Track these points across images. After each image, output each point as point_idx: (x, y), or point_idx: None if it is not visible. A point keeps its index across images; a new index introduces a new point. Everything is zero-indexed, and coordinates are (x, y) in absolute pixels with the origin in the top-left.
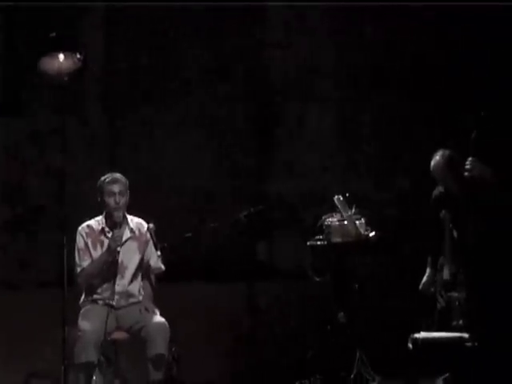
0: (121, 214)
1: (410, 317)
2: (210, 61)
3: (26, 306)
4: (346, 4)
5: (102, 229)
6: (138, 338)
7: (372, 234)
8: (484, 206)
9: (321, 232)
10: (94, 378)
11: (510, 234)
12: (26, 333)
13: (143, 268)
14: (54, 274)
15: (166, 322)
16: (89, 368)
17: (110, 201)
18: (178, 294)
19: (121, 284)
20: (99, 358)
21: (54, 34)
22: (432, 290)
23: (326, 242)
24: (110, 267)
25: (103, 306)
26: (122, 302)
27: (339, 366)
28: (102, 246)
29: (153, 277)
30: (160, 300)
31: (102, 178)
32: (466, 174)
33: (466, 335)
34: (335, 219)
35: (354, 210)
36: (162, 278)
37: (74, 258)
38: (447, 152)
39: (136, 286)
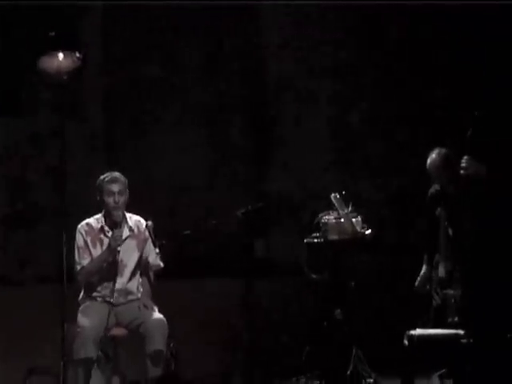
0: (120, 213)
1: (405, 314)
2: (208, 60)
3: (25, 302)
4: (342, 3)
5: (102, 227)
6: (136, 334)
7: (368, 231)
8: (479, 203)
9: (317, 229)
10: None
11: (504, 231)
12: (25, 329)
13: (142, 265)
14: (53, 271)
15: (165, 319)
16: (88, 364)
17: (110, 200)
18: (177, 290)
19: (120, 282)
20: (98, 354)
21: (53, 33)
22: (428, 287)
23: (322, 240)
24: (109, 266)
25: (102, 303)
26: (121, 299)
27: (336, 363)
28: (101, 244)
29: (151, 274)
30: (158, 297)
31: (102, 177)
32: (462, 172)
33: (461, 332)
34: (332, 217)
35: (350, 208)
36: (160, 274)
37: (73, 255)
38: (443, 150)
39: (135, 284)
